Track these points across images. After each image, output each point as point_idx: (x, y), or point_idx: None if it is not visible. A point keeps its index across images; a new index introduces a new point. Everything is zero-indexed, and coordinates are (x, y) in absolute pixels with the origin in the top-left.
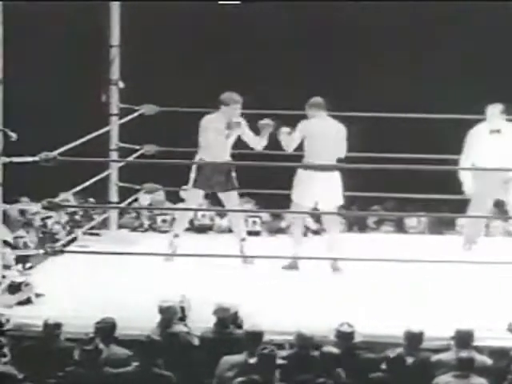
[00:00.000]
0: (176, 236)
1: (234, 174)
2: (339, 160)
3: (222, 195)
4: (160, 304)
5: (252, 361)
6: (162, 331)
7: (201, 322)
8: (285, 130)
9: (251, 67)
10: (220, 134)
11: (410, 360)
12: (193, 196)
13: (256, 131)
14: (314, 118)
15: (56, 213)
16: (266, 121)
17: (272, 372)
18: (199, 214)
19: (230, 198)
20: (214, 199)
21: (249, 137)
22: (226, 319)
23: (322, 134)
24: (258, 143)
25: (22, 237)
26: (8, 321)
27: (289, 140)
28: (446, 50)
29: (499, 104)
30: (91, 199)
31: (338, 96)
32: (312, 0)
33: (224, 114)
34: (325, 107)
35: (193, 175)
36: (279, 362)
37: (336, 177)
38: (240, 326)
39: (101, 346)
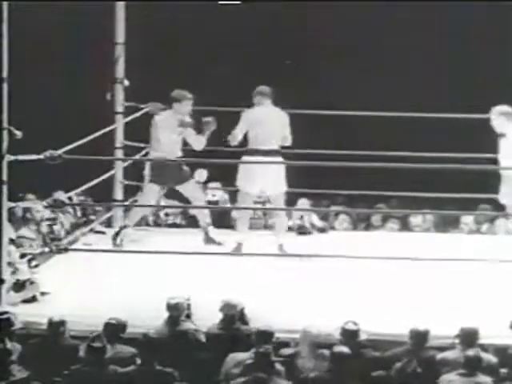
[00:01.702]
0: (126, 227)
1: (186, 168)
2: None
3: (179, 188)
4: (168, 301)
5: (249, 361)
6: (169, 328)
7: (205, 319)
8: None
9: (253, 66)
10: (173, 131)
11: (415, 358)
12: (149, 191)
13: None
14: (258, 106)
15: (59, 212)
16: (209, 118)
17: (269, 370)
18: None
19: (187, 189)
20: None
21: (191, 136)
22: (233, 316)
23: (264, 121)
24: (201, 142)
25: (25, 236)
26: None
27: (233, 133)
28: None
29: None
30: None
31: (344, 94)
32: (312, 0)
33: (176, 111)
34: (270, 95)
35: (147, 172)
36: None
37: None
38: (246, 323)
39: (106, 343)
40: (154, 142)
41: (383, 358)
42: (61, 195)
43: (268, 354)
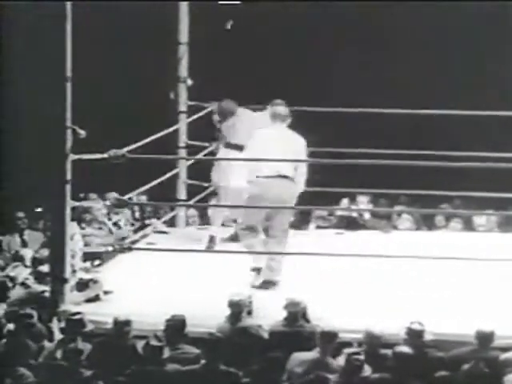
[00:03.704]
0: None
1: None
2: None
3: None
4: (230, 298)
5: (337, 363)
6: (231, 325)
7: (266, 318)
8: None
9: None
10: None
11: (480, 359)
12: None
13: None
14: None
15: (122, 211)
16: None
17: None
18: None
19: None
20: None
21: None
22: (297, 313)
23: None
24: None
25: (87, 235)
26: None
27: None
28: None
29: None
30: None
31: (345, 94)
32: (313, 0)
33: None
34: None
35: None
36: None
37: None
38: (308, 321)
39: (165, 342)
40: None
41: (447, 359)
42: (114, 196)
43: (359, 360)
